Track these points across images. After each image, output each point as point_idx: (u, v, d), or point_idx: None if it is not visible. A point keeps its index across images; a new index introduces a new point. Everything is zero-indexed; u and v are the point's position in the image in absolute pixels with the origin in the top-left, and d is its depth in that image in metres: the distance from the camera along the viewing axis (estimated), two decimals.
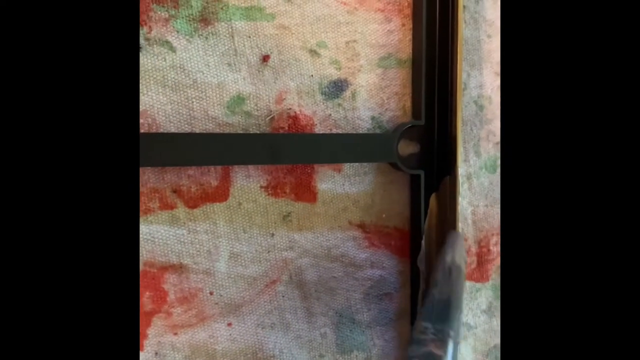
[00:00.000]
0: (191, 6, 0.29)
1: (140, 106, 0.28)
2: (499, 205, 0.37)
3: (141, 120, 0.28)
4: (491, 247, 0.37)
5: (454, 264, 0.30)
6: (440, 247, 0.34)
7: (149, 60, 0.28)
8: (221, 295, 0.30)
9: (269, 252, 0.31)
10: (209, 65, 0.29)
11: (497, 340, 0.38)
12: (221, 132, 0.30)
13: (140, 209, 0.28)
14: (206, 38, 0.29)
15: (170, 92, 0.29)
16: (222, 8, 0.29)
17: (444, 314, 0.28)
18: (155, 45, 0.28)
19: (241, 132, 0.30)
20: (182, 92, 0.29)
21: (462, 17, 0.33)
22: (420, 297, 0.34)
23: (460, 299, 0.30)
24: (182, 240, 0.29)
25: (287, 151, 0.30)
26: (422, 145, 0.34)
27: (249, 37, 0.30)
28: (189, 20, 0.29)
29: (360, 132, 0.33)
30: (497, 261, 0.37)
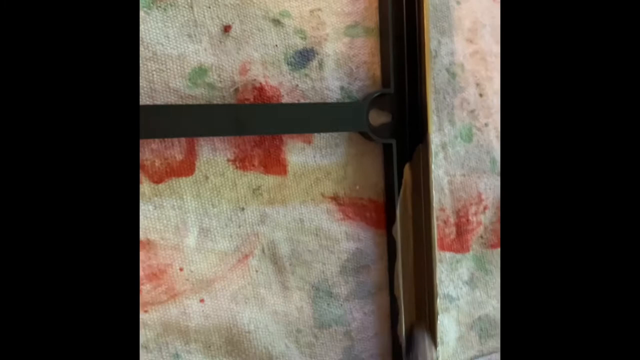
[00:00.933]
0: None
1: None
2: (477, 175, 0.37)
3: None
4: (470, 217, 0.37)
5: None
6: (414, 220, 0.34)
7: None
8: (192, 271, 0.30)
9: (239, 226, 0.31)
10: (168, 37, 0.29)
11: (482, 311, 0.38)
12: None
13: None
14: (164, 9, 0.29)
15: None
16: None
17: None
18: None
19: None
20: (141, 64, 0.28)
21: None
22: (397, 269, 0.33)
23: None
24: (148, 216, 0.29)
25: (253, 122, 0.29)
26: (394, 115, 0.34)
27: (209, 7, 0.29)
28: None
29: (329, 102, 0.32)
30: (477, 231, 0.37)
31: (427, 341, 0.34)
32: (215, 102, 0.30)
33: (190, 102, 0.29)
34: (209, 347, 0.30)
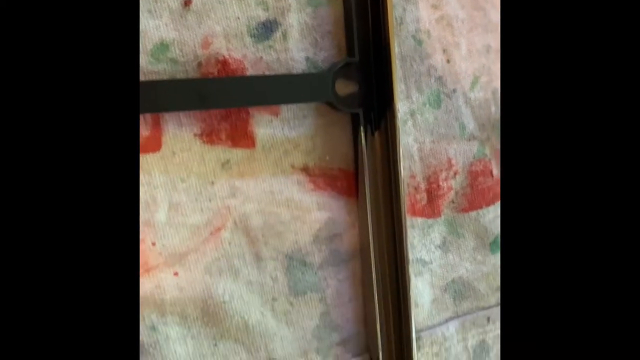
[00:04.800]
0: None
1: None
2: (446, 141, 0.37)
3: None
4: (440, 183, 0.37)
5: None
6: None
7: None
8: (164, 245, 0.30)
9: (210, 200, 0.31)
10: None
11: (455, 274, 0.39)
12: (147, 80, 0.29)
13: None
14: None
15: None
16: None
17: None
18: None
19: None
20: None
21: None
22: (370, 237, 0.34)
23: None
24: None
25: (217, 95, 0.29)
26: (360, 84, 0.34)
27: None
28: None
29: (295, 73, 0.32)
30: (448, 196, 0.38)
31: None
32: (178, 77, 0.30)
33: (153, 78, 0.29)
34: (185, 318, 0.31)
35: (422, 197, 0.37)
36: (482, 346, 0.40)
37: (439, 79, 0.36)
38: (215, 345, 0.32)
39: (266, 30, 0.31)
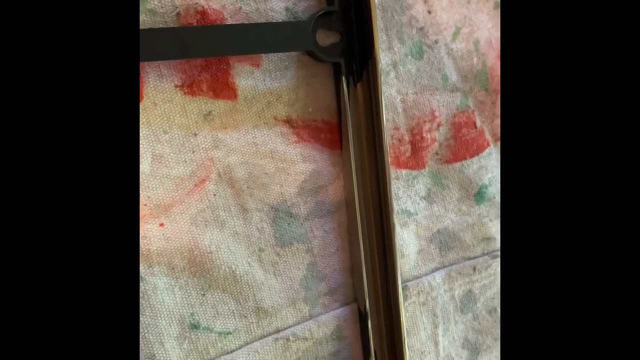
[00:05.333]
0: None
1: None
2: (429, 92, 0.37)
3: None
4: (424, 134, 0.38)
5: None
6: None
7: None
8: (149, 197, 0.30)
9: (193, 152, 0.31)
10: None
11: (440, 225, 0.39)
12: None
13: None
14: None
15: None
16: None
17: None
18: None
19: None
20: None
21: None
22: (355, 188, 0.34)
23: None
24: None
25: (197, 45, 0.29)
26: (342, 34, 0.34)
27: None
28: None
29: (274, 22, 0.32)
30: (432, 148, 0.38)
31: None
32: (157, 27, 0.30)
33: None
34: (173, 268, 0.31)
35: (406, 148, 0.37)
36: (468, 296, 0.40)
37: (421, 29, 0.36)
38: (204, 295, 0.32)
39: None
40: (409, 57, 0.36)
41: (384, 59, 0.35)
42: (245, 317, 0.33)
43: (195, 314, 0.32)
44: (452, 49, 0.37)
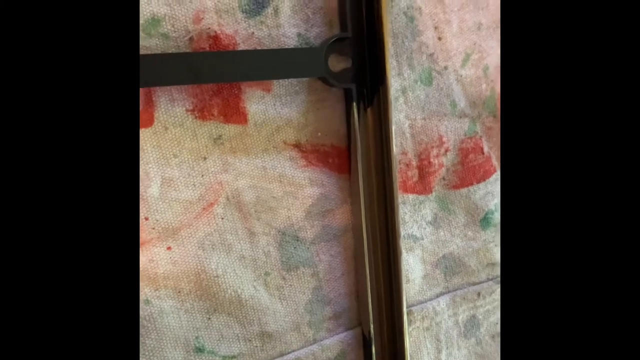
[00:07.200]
0: None
1: None
2: (437, 118, 0.37)
3: None
4: (432, 160, 0.38)
5: None
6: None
7: None
8: (157, 220, 0.30)
9: (202, 175, 0.31)
10: None
11: (445, 250, 0.39)
12: None
13: None
14: None
15: None
16: None
17: None
18: None
19: None
20: None
21: None
22: (362, 212, 0.34)
23: None
24: None
25: (209, 70, 0.29)
26: (353, 60, 0.34)
27: None
28: None
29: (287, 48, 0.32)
30: (439, 173, 0.38)
31: None
32: (170, 52, 0.30)
33: (144, 53, 0.29)
34: (179, 292, 0.31)
35: (414, 173, 0.37)
36: (472, 321, 0.40)
37: (431, 56, 0.37)
38: (209, 319, 0.32)
39: (257, 5, 0.31)
40: (419, 83, 0.36)
41: (393, 84, 0.35)
42: (250, 341, 0.33)
43: (200, 338, 0.32)
44: (461, 75, 0.38)
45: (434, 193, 0.38)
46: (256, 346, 0.33)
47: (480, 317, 0.41)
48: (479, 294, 0.40)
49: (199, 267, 0.32)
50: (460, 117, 0.38)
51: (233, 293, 0.32)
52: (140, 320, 0.30)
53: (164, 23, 0.29)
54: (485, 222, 0.40)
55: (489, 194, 0.40)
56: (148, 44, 0.29)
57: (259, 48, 0.32)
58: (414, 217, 0.38)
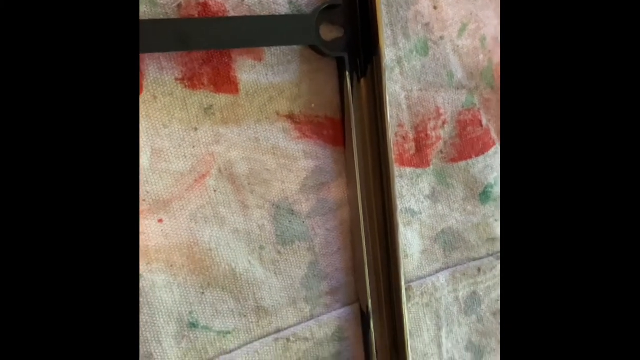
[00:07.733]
0: None
1: None
2: (434, 89, 0.37)
3: None
4: (429, 132, 0.37)
5: None
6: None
7: None
8: (147, 192, 0.30)
9: (193, 146, 0.31)
10: None
11: (444, 225, 0.38)
12: None
13: None
14: None
15: None
16: None
17: None
18: None
19: None
20: None
21: None
22: (358, 186, 0.34)
23: None
24: None
25: (199, 36, 0.29)
26: (346, 28, 0.33)
27: None
28: None
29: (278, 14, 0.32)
30: (437, 146, 0.37)
31: None
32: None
33: None
34: (171, 266, 0.31)
35: (411, 146, 0.36)
36: (473, 297, 0.40)
37: (426, 25, 0.36)
38: (203, 293, 0.31)
39: None
40: (414, 53, 0.36)
41: (388, 54, 0.35)
42: (245, 316, 0.33)
43: (194, 313, 0.31)
44: (458, 46, 0.37)
45: (431, 166, 0.37)
46: (252, 322, 0.33)
47: (481, 293, 0.40)
48: (479, 270, 0.39)
49: (191, 240, 0.31)
50: (458, 89, 0.37)
51: (227, 267, 0.32)
52: None
53: None
54: (484, 196, 0.39)
55: (488, 167, 0.39)
56: None
57: (249, 15, 0.31)
58: (412, 190, 0.37)
